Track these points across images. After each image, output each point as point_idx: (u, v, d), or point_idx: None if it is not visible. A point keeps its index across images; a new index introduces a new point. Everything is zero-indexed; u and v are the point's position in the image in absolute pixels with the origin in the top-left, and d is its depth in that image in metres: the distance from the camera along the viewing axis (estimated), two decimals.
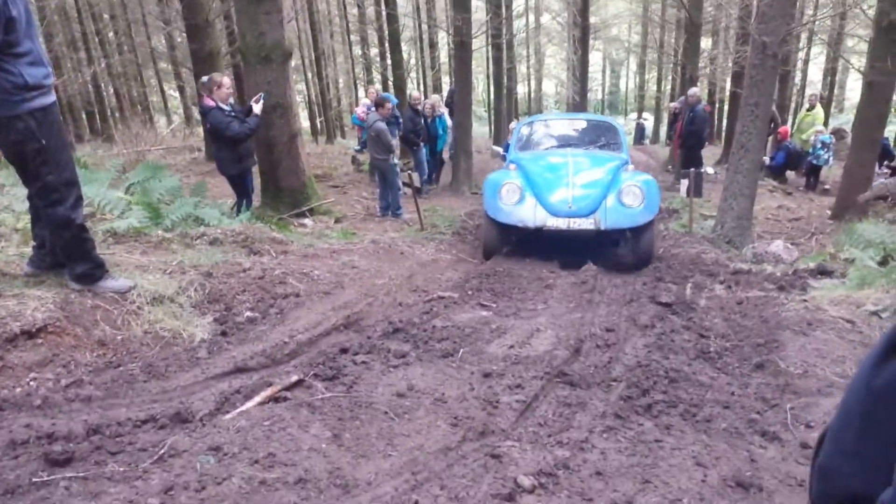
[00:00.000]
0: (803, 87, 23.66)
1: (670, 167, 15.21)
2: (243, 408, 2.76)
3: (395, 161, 9.35)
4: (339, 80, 28.69)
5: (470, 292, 5.23)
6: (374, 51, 27.19)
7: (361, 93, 27.14)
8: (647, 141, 29.41)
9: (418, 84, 29.03)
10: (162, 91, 27.04)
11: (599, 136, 8.17)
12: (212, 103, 6.58)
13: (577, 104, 20.00)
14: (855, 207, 8.79)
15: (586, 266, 6.01)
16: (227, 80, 6.79)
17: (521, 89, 36.25)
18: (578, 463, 2.46)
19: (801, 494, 2.32)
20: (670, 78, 29.18)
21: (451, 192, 12.69)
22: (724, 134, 19.38)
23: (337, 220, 8.35)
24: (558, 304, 4.97)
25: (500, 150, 9.38)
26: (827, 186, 12.99)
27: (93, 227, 4.78)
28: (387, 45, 19.89)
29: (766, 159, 13.38)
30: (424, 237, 7.76)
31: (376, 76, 24.96)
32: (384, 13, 18.43)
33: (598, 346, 3.90)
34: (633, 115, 35.59)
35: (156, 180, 6.80)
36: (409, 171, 10.22)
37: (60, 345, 3.22)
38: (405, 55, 23.62)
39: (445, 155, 14.00)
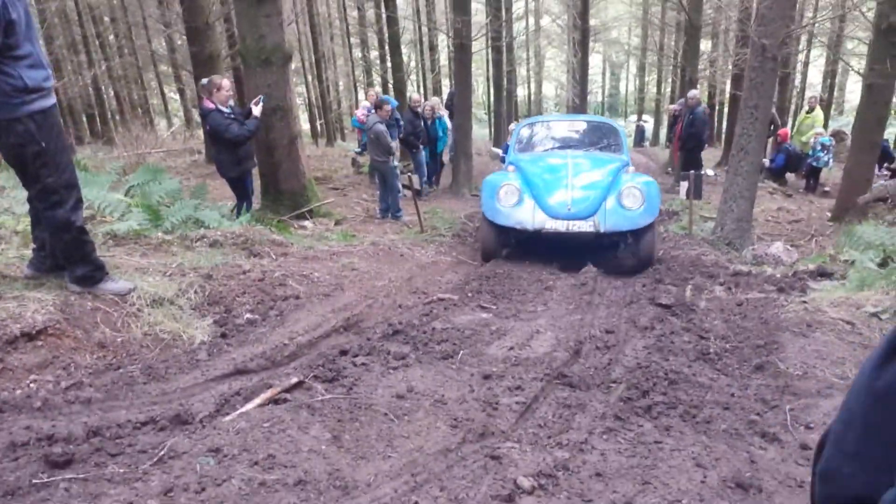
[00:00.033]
0: (803, 89, 23.68)
1: (670, 169, 15.22)
2: (243, 409, 2.76)
3: (395, 164, 9.36)
4: (340, 83, 28.72)
5: (470, 294, 5.23)
6: (374, 53, 27.23)
7: (361, 95, 27.16)
8: (646, 143, 29.44)
9: (418, 87, 29.06)
10: (162, 94, 27.07)
11: (600, 138, 8.09)
12: (211, 106, 6.59)
13: (577, 106, 20.04)
14: (855, 209, 8.79)
15: (586, 268, 5.99)
16: (226, 83, 6.79)
17: (521, 92, 36.30)
18: (578, 464, 2.46)
19: (800, 495, 2.32)
20: (670, 80, 29.23)
21: (451, 194, 12.70)
22: (724, 136, 19.39)
23: (337, 223, 8.36)
24: (558, 305, 4.97)
25: (499, 151, 9.27)
26: (827, 188, 13.00)
27: (93, 229, 4.79)
28: (387, 47, 19.90)
29: (766, 161, 13.38)
30: (424, 239, 7.77)
31: (376, 79, 24.98)
32: (384, 16, 18.45)
33: (598, 348, 3.90)
34: (633, 118, 35.60)
35: (156, 183, 6.80)
36: (409, 174, 10.22)
37: (60, 347, 3.22)
38: (405, 58, 23.65)
39: (445, 157, 14.01)
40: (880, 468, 0.85)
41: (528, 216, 6.38)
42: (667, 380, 3.30)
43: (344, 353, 3.58)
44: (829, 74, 23.69)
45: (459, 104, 13.23)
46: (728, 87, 19.86)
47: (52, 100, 3.41)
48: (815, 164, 12.96)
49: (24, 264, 3.87)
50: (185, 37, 13.88)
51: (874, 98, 9.03)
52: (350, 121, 19.22)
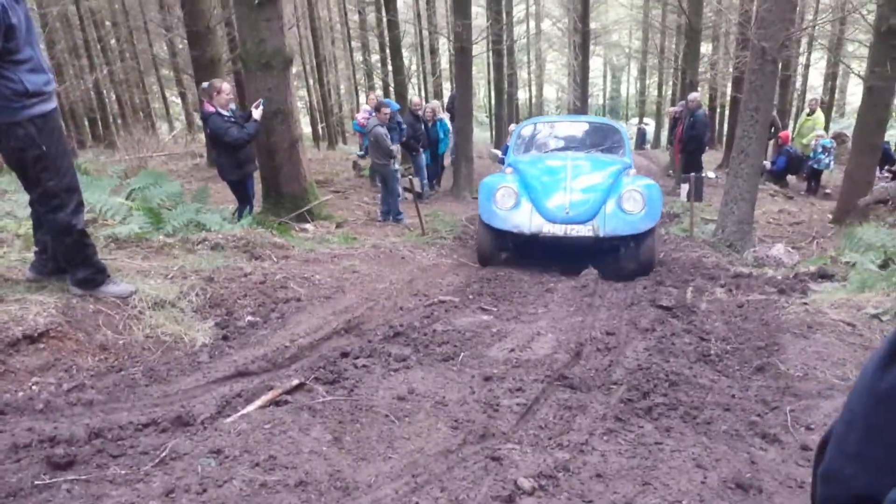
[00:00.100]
0: (804, 91, 23.65)
1: (671, 172, 15.23)
2: (244, 411, 2.76)
3: (396, 167, 9.36)
4: (341, 87, 28.78)
5: (471, 296, 5.24)
6: (375, 57, 27.27)
7: (363, 99, 27.20)
8: (648, 146, 29.42)
9: (419, 90, 29.10)
10: (164, 97, 27.12)
11: (601, 140, 7.90)
12: (212, 109, 6.60)
13: (578, 109, 20.05)
14: (856, 211, 8.79)
15: (587, 270, 5.93)
16: (227, 86, 6.81)
17: (522, 95, 36.31)
18: (578, 465, 2.47)
19: (800, 496, 2.33)
20: (671, 83, 29.25)
21: (452, 197, 12.71)
22: (724, 139, 19.40)
23: (338, 225, 8.37)
24: (559, 307, 4.97)
25: (498, 153, 9.13)
26: (828, 191, 13.01)
27: (94, 232, 4.80)
28: (388, 51, 19.94)
29: (767, 164, 13.39)
30: (425, 242, 7.77)
31: (377, 82, 25.01)
32: (385, 19, 18.48)
33: (599, 350, 3.90)
34: (634, 120, 35.60)
35: (157, 186, 6.81)
36: (410, 177, 10.23)
37: (62, 349, 3.23)
38: (406, 61, 23.69)
39: (447, 160, 14.02)
40: (882, 469, 0.86)
41: (525, 220, 6.25)
42: (667, 381, 3.31)
43: (345, 354, 3.59)
44: (830, 77, 23.70)
45: (460, 107, 13.25)
46: (729, 90, 19.87)
47: (53, 104, 3.42)
48: (816, 166, 12.97)
49: (25, 267, 3.88)
50: (186, 41, 13.93)
51: (874, 100, 9.04)
52: (351, 124, 19.24)
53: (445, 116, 13.61)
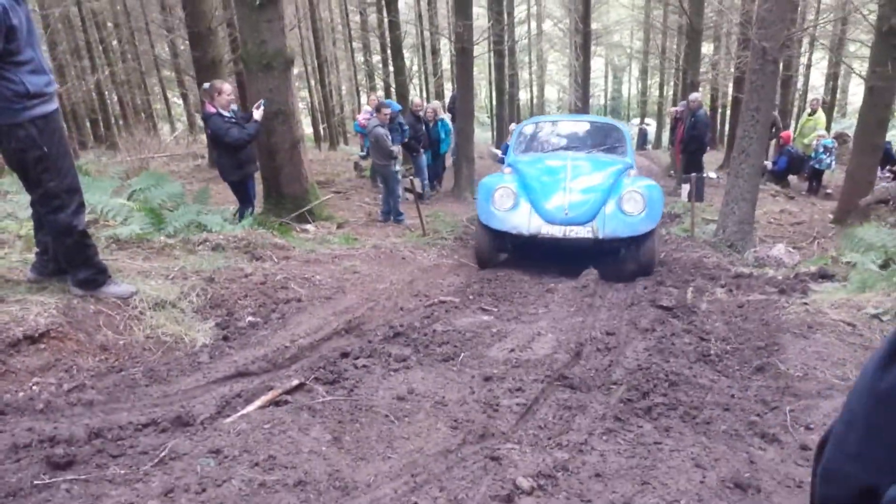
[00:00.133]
0: (805, 91, 23.63)
1: (672, 172, 15.23)
2: (244, 411, 2.77)
3: (398, 168, 9.36)
4: (342, 87, 28.79)
5: (471, 297, 5.24)
6: (376, 58, 27.27)
7: (364, 99, 27.20)
8: (649, 146, 29.41)
9: (421, 90, 29.11)
10: (165, 98, 27.14)
11: (603, 139, 7.76)
12: (212, 110, 6.61)
13: (580, 110, 20.05)
14: (857, 211, 8.79)
15: (587, 271, 5.90)
16: (227, 87, 6.82)
17: (524, 95, 36.33)
18: (577, 465, 2.47)
19: (799, 496, 2.33)
20: (672, 83, 29.24)
21: (453, 197, 12.71)
22: (726, 139, 19.39)
23: (339, 226, 8.37)
24: (559, 308, 4.97)
25: (497, 152, 9.00)
26: (829, 191, 13.00)
27: (96, 233, 4.81)
28: (389, 51, 19.94)
29: (769, 164, 13.39)
30: (426, 242, 7.78)
31: (379, 83, 25.03)
32: (386, 20, 18.49)
33: (599, 350, 3.91)
34: (636, 121, 35.58)
35: (158, 187, 6.82)
36: (411, 178, 10.24)
37: (63, 350, 3.23)
38: (407, 62, 23.72)
39: (448, 161, 14.02)
40: (882, 469, 0.86)
41: (523, 221, 6.16)
42: (667, 381, 3.31)
43: (345, 355, 3.59)
44: (832, 77, 23.67)
45: (461, 108, 13.25)
46: (730, 90, 19.86)
47: (54, 105, 3.43)
48: (817, 166, 12.95)
49: (27, 268, 3.89)
50: (187, 42, 13.95)
51: (875, 100, 9.03)
52: (353, 125, 19.25)
53: (447, 117, 13.61)
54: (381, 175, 9.77)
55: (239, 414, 2.74)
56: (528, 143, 7.93)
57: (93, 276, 3.73)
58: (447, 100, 18.72)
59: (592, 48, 23.50)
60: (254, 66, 7.54)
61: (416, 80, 29.88)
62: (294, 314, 4.37)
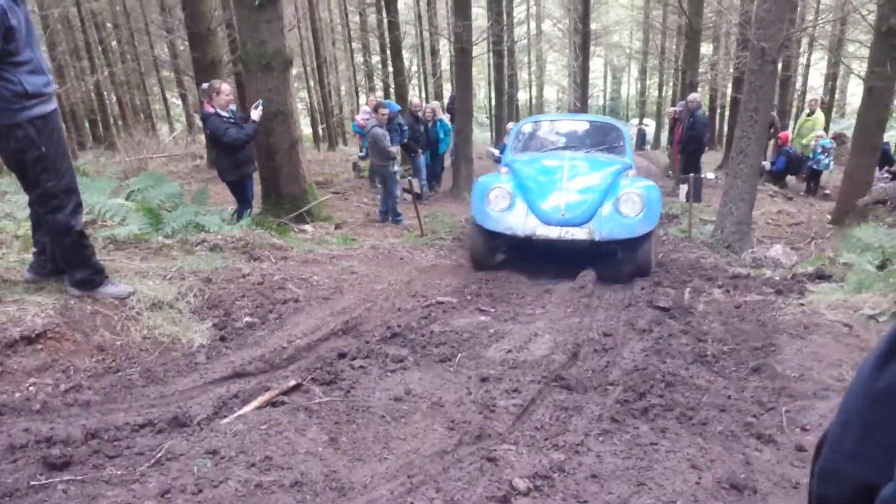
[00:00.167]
0: (804, 92, 23.64)
1: (671, 172, 15.23)
2: (241, 412, 2.77)
3: (396, 168, 9.36)
4: (341, 88, 28.78)
5: (469, 297, 5.24)
6: (375, 58, 27.30)
7: (363, 100, 27.21)
8: (648, 146, 29.42)
9: (420, 91, 29.11)
10: (164, 99, 27.13)
11: (602, 139, 7.61)
12: (211, 110, 6.61)
13: (579, 110, 20.05)
14: (855, 212, 8.79)
15: (585, 272, 5.86)
16: (226, 87, 6.81)
17: (523, 95, 36.32)
18: (574, 466, 2.48)
19: (795, 497, 2.33)
20: (671, 84, 29.26)
21: (451, 198, 12.70)
22: (725, 139, 19.41)
23: (337, 226, 8.37)
24: (557, 308, 4.98)
25: (495, 151, 8.90)
26: (827, 191, 13.00)
27: (93, 233, 4.81)
28: (388, 52, 19.95)
29: (767, 164, 13.39)
30: (424, 243, 7.77)
31: (378, 83, 25.03)
32: (385, 21, 18.49)
33: (596, 351, 3.91)
34: (635, 121, 35.59)
35: (157, 187, 6.82)
36: (410, 178, 10.24)
37: (60, 350, 3.24)
38: (407, 62, 23.72)
39: (447, 162, 14.02)
40: (882, 469, 0.86)
41: (519, 221, 6.04)
42: (664, 382, 3.32)
43: (342, 355, 3.60)
44: (830, 77, 23.69)
45: (460, 108, 13.25)
46: (729, 91, 19.88)
47: (53, 105, 3.43)
48: (815, 166, 12.97)
49: (24, 268, 3.89)
50: (187, 42, 13.95)
51: (874, 101, 9.04)
52: (351, 125, 19.26)
53: (445, 117, 13.61)
54: (379, 175, 9.78)
55: (236, 415, 2.75)
56: (525, 143, 7.79)
57: (90, 277, 3.73)
58: (446, 100, 18.74)
59: (591, 48, 23.52)
60: (253, 67, 7.54)
61: (415, 81, 29.89)
62: (291, 315, 4.37)
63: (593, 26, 23.65)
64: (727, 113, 21.05)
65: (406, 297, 5.18)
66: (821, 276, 5.50)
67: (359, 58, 27.93)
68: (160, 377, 3.22)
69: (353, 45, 26.30)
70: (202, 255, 5.14)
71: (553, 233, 5.96)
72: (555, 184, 6.22)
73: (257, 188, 7.82)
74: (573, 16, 22.93)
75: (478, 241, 6.39)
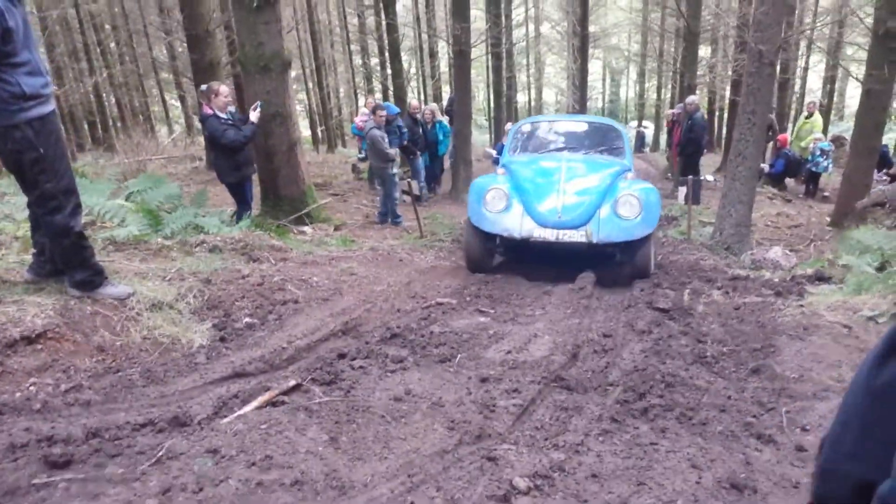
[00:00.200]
0: (803, 94, 23.71)
1: (669, 175, 15.26)
2: (241, 412, 2.77)
3: (395, 170, 9.37)
4: (340, 90, 28.84)
5: (468, 298, 5.24)
6: (374, 60, 27.34)
7: (362, 102, 27.24)
8: (647, 149, 29.47)
9: (419, 93, 29.15)
10: (163, 101, 27.16)
11: (601, 140, 7.52)
12: (209, 111, 6.62)
13: (578, 112, 20.07)
14: (854, 214, 8.82)
15: (584, 273, 5.84)
16: (224, 89, 6.82)
17: (522, 98, 36.38)
18: (574, 465, 2.48)
19: (795, 497, 2.34)
20: (670, 86, 29.31)
21: (450, 200, 12.72)
22: (723, 141, 19.44)
23: (336, 228, 8.38)
24: (556, 310, 4.98)
25: (492, 152, 8.81)
26: (826, 193, 13.03)
27: (93, 235, 4.81)
28: (387, 54, 19.98)
29: (766, 167, 13.42)
30: (424, 244, 7.78)
31: (377, 85, 25.05)
32: (384, 23, 18.51)
33: (596, 352, 3.91)
34: (633, 123, 35.66)
35: (156, 189, 6.82)
36: (409, 180, 10.25)
37: (60, 350, 3.24)
38: (405, 64, 23.74)
39: (446, 163, 14.03)
40: (881, 467, 0.87)
41: (515, 223, 5.93)
42: (663, 383, 3.32)
43: (342, 356, 3.60)
44: (829, 80, 23.75)
45: (459, 110, 13.27)
46: (728, 93, 19.92)
47: (51, 106, 3.43)
48: (814, 169, 13.00)
49: (24, 269, 3.90)
50: (185, 44, 13.96)
51: (872, 103, 9.07)
52: (350, 127, 19.28)
53: (444, 119, 13.63)
54: (378, 177, 9.79)
55: (236, 414, 2.75)
56: (523, 144, 7.70)
57: (90, 278, 3.73)
58: (445, 102, 18.76)
59: (590, 51, 23.57)
60: (251, 69, 7.55)
61: (414, 83, 29.92)
62: (291, 315, 4.37)
63: (592, 29, 23.70)
64: (726, 115, 21.08)
65: (406, 298, 5.18)
66: (820, 278, 5.51)
67: (357, 60, 27.97)
68: (160, 377, 3.22)
69: (352, 47, 26.33)
70: (201, 257, 5.14)
71: (550, 235, 5.86)
72: (552, 185, 6.13)
73: (256, 190, 7.82)
74: (571, 18, 22.95)
75: (474, 243, 6.27)
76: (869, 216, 8.44)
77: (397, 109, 11.60)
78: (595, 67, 41.53)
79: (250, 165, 7.21)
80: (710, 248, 7.71)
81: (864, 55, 12.77)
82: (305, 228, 7.79)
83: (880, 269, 5.58)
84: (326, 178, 13.56)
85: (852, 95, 30.52)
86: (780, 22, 7.39)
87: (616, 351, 3.92)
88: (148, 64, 23.32)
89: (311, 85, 25.04)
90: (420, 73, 28.94)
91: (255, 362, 3.45)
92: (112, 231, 5.20)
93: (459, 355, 3.72)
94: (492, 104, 24.38)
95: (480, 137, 27.22)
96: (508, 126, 11.51)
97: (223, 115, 6.67)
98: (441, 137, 12.86)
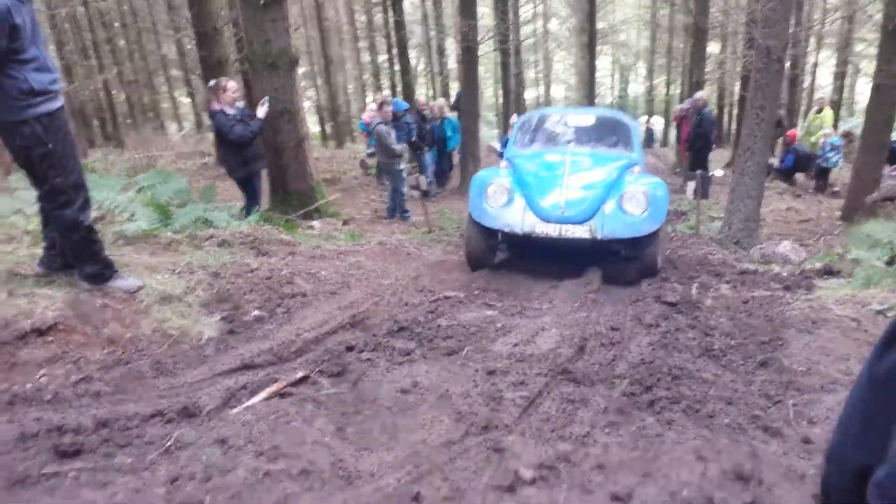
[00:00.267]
0: (812, 90, 23.58)
1: (678, 170, 15.22)
2: (249, 403, 2.79)
3: (402, 166, 9.38)
4: (349, 87, 28.88)
5: (476, 292, 5.24)
6: (382, 57, 27.34)
7: (370, 98, 27.27)
8: (656, 144, 29.36)
9: (427, 90, 29.16)
10: (172, 98, 27.28)
11: (609, 134, 7.23)
12: (217, 107, 6.65)
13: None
14: (863, 209, 8.77)
15: (592, 268, 5.80)
16: (232, 84, 6.84)
17: (530, 94, 36.34)
18: (580, 456, 2.48)
19: (801, 488, 2.33)
20: (679, 82, 29.22)
21: (459, 195, 12.72)
22: (733, 137, 19.37)
23: (345, 223, 8.40)
24: (563, 303, 4.97)
25: (496, 146, 8.80)
26: (836, 189, 12.95)
27: (103, 229, 4.85)
28: (395, 51, 19.99)
29: (776, 162, 13.36)
30: (432, 239, 7.79)
31: (385, 82, 25.08)
32: (392, 20, 18.52)
33: (603, 345, 3.91)
34: (643, 119, 35.53)
35: (165, 184, 6.87)
36: (417, 175, 10.27)
37: (70, 342, 3.26)
38: (413, 61, 23.75)
39: (455, 159, 14.04)
40: (881, 454, 0.87)
41: (517, 218, 5.71)
42: (670, 375, 3.31)
43: (350, 348, 3.61)
44: (839, 75, 23.61)
45: (467, 106, 13.27)
46: (737, 89, 19.84)
47: (59, 102, 3.46)
48: (824, 164, 12.92)
49: (35, 263, 3.93)
50: (194, 41, 13.99)
51: (882, 99, 9.01)
52: (358, 124, 19.33)
53: (453, 115, 13.63)
54: (386, 172, 9.81)
55: (244, 405, 2.77)
56: (528, 137, 7.44)
57: (99, 271, 3.76)
58: (452, 98, 18.75)
59: (599, 47, 23.52)
60: (259, 66, 7.58)
61: (422, 80, 29.93)
62: (299, 309, 4.39)
63: (600, 25, 23.66)
64: (735, 111, 21.00)
65: (413, 291, 5.19)
66: (829, 272, 5.49)
67: (366, 57, 28.00)
68: (170, 369, 3.25)
69: (360, 44, 26.39)
70: (210, 251, 5.17)
71: (553, 231, 5.64)
72: (555, 179, 5.90)
73: (265, 185, 7.86)
74: (579, 15, 22.90)
75: (474, 239, 6.09)
76: (879, 211, 8.39)
77: (405, 105, 11.60)
78: (604, 63, 41.41)
79: (259, 161, 7.23)
80: (719, 243, 7.68)
81: (874, 51, 12.70)
82: (314, 223, 7.82)
83: (889, 263, 5.56)
84: (335, 173, 13.59)
85: (862, 91, 30.30)
86: (787, 18, 7.36)
87: (623, 344, 3.91)
88: (157, 61, 23.44)
89: (319, 82, 25.11)
90: (428, 69, 28.95)
91: (264, 354, 3.47)
92: (122, 225, 5.24)
93: (467, 348, 3.73)
94: (500, 100, 24.35)
95: (489, 133, 27.18)
96: (514, 119, 11.30)
97: (231, 111, 6.69)
98: (450, 133, 12.86)
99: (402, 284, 5.33)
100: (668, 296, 4.93)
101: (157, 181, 6.96)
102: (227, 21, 13.24)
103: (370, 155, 13.88)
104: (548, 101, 38.91)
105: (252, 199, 7.24)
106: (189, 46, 19.02)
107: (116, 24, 22.21)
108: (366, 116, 13.86)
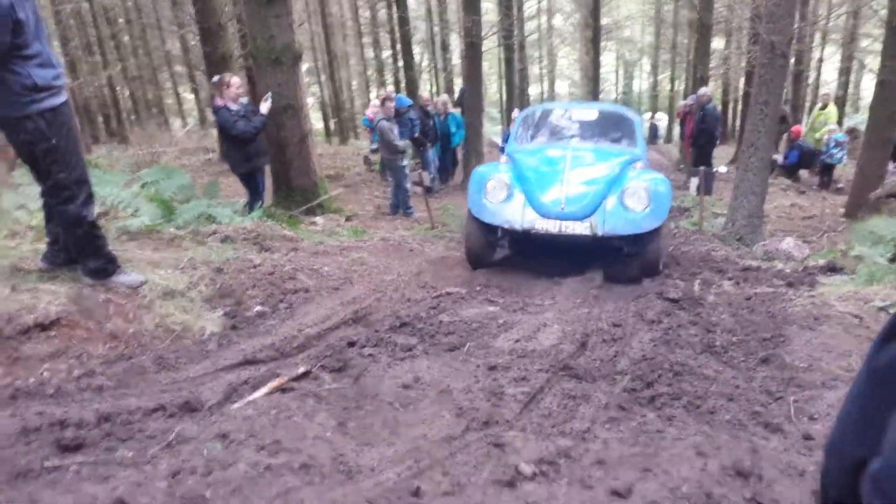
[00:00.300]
0: (817, 86, 23.49)
1: (682, 166, 15.19)
2: (251, 397, 2.80)
3: (404, 162, 9.39)
4: (353, 82, 28.88)
5: (478, 288, 5.25)
6: (386, 53, 27.34)
7: (374, 94, 27.27)
8: (660, 140, 29.32)
9: (431, 85, 29.15)
10: (176, 93, 27.32)
11: (611, 128, 7.08)
12: (221, 103, 6.66)
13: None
14: (867, 205, 8.75)
15: (595, 265, 5.78)
16: (236, 80, 6.85)
17: (535, 90, 36.30)
18: (580, 452, 2.48)
19: (801, 484, 2.33)
20: (683, 78, 29.16)
21: (462, 191, 12.70)
22: (737, 133, 19.32)
23: (347, 219, 8.42)
24: (566, 299, 4.98)
25: (497, 140, 8.72)
26: (840, 185, 12.93)
27: (106, 224, 4.86)
28: (399, 47, 19.98)
29: (780, 158, 13.33)
30: (434, 235, 7.80)
31: (389, 78, 25.07)
32: (396, 16, 18.51)
33: (605, 341, 3.91)
34: (647, 115, 35.48)
35: (169, 180, 6.88)
36: (420, 171, 10.27)
37: (73, 337, 3.28)
38: (417, 57, 23.74)
39: (459, 155, 14.03)
40: (878, 447, 0.88)
41: (516, 214, 5.62)
42: (672, 371, 3.31)
43: (351, 344, 3.62)
44: (844, 71, 23.52)
45: (471, 102, 13.26)
46: (742, 85, 19.78)
47: (63, 98, 3.47)
48: (828, 160, 12.90)
49: (38, 258, 3.95)
50: (198, 37, 14.02)
51: (886, 95, 8.99)
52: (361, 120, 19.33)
53: (457, 111, 13.62)
54: (388, 168, 9.82)
55: (246, 400, 2.78)
56: (530, 132, 7.35)
57: (103, 266, 3.77)
58: (456, 94, 18.74)
59: (603, 43, 23.47)
60: (263, 61, 7.59)
61: (426, 75, 29.92)
62: (302, 304, 4.40)
63: (604, 21, 23.60)
64: (740, 107, 20.95)
65: (415, 287, 5.19)
66: (832, 269, 5.48)
67: (370, 52, 27.99)
68: (172, 364, 3.26)
69: (364, 40, 26.37)
70: (214, 246, 5.18)
71: (553, 227, 5.54)
72: (556, 175, 5.81)
73: (269, 181, 7.87)
74: (584, 10, 22.86)
75: (474, 235, 5.99)
76: (883, 207, 8.38)
77: (409, 101, 11.60)
78: (608, 59, 41.38)
79: (262, 156, 7.24)
80: (722, 239, 7.67)
81: (879, 46, 12.65)
82: (317, 219, 7.83)
83: (893, 259, 5.56)
84: (339, 169, 13.61)
85: (868, 87, 30.21)
86: (791, 13, 7.34)
87: (625, 340, 3.92)
88: (161, 57, 23.47)
89: (323, 77, 25.12)
90: (432, 65, 28.92)
91: (266, 350, 3.48)
92: (125, 221, 5.25)
93: (468, 344, 3.74)
94: (504, 96, 24.32)
95: (493, 129, 27.16)
96: (515, 114, 11.23)
97: (234, 107, 6.70)
98: (453, 129, 12.85)
99: (404, 280, 5.34)
100: (670, 292, 4.92)
101: (161, 177, 6.97)
102: (230, 17, 13.27)
103: (373, 151, 13.89)
104: (552, 97, 38.87)
105: (255, 194, 7.25)
106: (193, 42, 19.07)
107: (121, 20, 22.24)
108: (369, 112, 13.87)
